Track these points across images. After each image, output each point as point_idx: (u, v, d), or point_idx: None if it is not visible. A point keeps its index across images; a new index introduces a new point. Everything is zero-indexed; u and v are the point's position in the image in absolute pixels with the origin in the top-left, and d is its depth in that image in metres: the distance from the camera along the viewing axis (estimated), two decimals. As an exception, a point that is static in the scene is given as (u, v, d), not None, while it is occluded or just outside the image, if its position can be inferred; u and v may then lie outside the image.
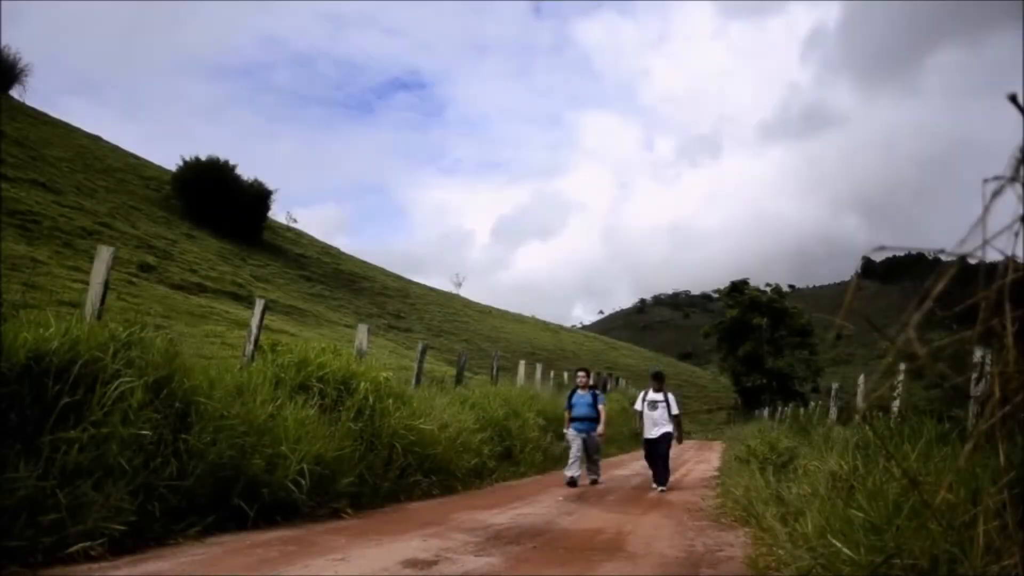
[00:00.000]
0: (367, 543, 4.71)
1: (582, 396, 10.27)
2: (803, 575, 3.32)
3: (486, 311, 61.79)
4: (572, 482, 9.52)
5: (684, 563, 4.53)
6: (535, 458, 11.41)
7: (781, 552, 4.08)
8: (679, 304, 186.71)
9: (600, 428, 10.13)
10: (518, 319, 65.90)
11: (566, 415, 10.43)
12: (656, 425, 9.76)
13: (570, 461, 9.90)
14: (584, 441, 10.03)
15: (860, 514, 3.05)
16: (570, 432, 10.22)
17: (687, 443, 26.72)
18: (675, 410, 9.86)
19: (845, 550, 2.87)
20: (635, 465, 13.80)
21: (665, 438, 9.72)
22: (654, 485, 9.63)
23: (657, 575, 4.21)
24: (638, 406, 10.19)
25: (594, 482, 10.16)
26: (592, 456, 10.27)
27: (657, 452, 9.74)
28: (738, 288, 48.41)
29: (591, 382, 10.57)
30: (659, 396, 9.93)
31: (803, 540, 3.80)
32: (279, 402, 5.98)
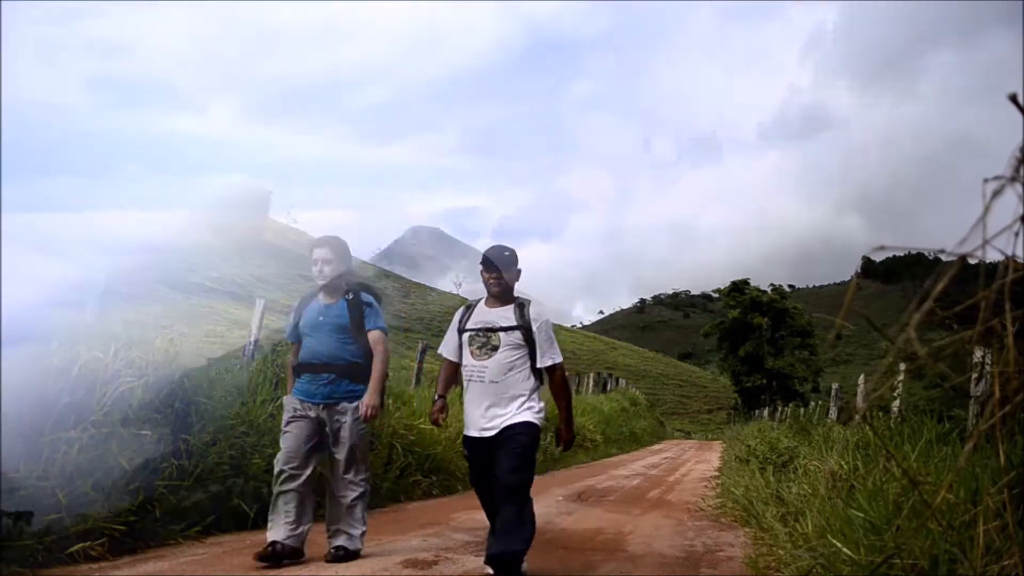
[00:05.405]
0: (367, 543, 4.71)
1: (327, 308, 4.15)
2: (803, 575, 3.32)
3: (486, 311, 61.78)
4: (275, 554, 3.76)
5: (684, 563, 4.53)
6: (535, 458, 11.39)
7: (781, 552, 4.08)
8: (679, 304, 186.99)
9: (369, 393, 4.10)
10: (518, 319, 65.83)
11: (290, 356, 4.29)
12: (490, 397, 3.71)
13: (278, 483, 3.91)
14: (321, 424, 4.04)
15: (860, 514, 3.05)
16: (288, 400, 4.13)
17: (687, 443, 26.04)
18: (547, 359, 3.73)
19: (845, 550, 2.87)
20: (635, 465, 13.76)
21: (513, 436, 3.73)
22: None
23: (657, 575, 4.21)
24: (451, 340, 3.96)
25: (340, 554, 4.02)
26: (345, 461, 4.04)
27: (494, 473, 3.75)
28: (739, 288, 48.48)
29: (341, 273, 4.17)
30: (502, 317, 3.73)
31: (803, 540, 3.80)
32: (279, 402, 5.98)
